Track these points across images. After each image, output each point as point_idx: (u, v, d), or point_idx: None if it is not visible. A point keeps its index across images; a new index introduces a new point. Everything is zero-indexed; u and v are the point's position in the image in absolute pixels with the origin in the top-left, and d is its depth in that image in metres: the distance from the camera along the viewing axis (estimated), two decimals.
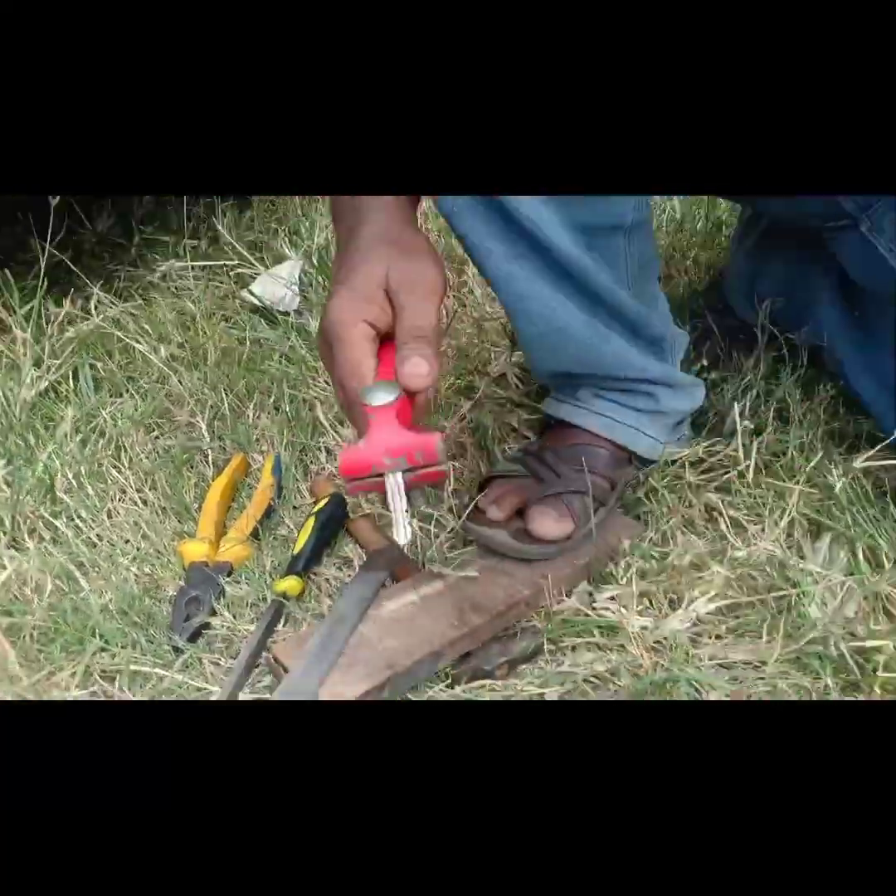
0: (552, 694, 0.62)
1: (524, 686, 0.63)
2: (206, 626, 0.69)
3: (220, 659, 0.67)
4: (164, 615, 0.70)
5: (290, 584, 0.70)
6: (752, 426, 0.79)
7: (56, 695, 0.63)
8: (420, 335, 0.53)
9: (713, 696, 0.61)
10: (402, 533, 0.52)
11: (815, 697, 0.59)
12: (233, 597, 0.71)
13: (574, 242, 0.63)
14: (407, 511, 0.52)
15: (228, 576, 0.73)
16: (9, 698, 0.63)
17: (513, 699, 0.56)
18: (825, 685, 0.59)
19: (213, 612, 0.70)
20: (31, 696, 0.62)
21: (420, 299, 0.54)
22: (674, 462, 0.78)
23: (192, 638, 0.68)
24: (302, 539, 0.74)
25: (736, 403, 0.80)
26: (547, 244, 0.62)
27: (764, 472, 0.76)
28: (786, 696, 0.60)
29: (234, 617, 0.70)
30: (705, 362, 0.86)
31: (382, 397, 0.52)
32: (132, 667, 0.63)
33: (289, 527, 0.79)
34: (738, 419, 0.78)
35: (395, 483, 0.51)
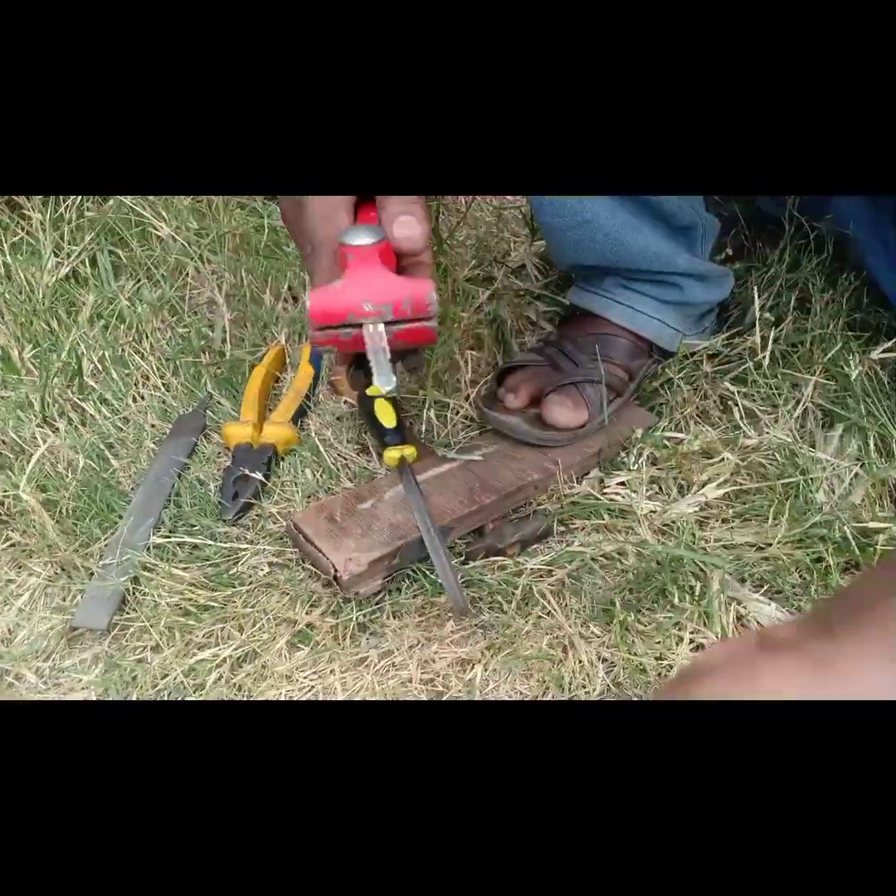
0: (560, 572, 0.65)
1: (535, 564, 0.65)
2: (251, 507, 0.70)
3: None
4: (193, 496, 0.72)
5: (408, 450, 0.69)
6: (773, 318, 0.78)
7: (92, 563, 0.66)
8: (407, 200, 0.47)
9: (715, 578, 0.63)
10: (387, 378, 0.45)
11: (815, 576, 0.62)
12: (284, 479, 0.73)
13: None
14: (390, 360, 0.45)
15: (271, 459, 0.74)
16: (48, 568, 0.67)
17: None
18: (827, 565, 0.62)
19: (259, 494, 0.71)
20: (70, 564, 0.66)
21: None
22: (693, 354, 0.78)
23: (239, 516, 0.69)
24: (390, 414, 0.73)
25: (757, 294, 0.79)
26: None
27: (781, 363, 0.77)
28: (787, 575, 0.62)
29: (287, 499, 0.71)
30: (730, 251, 0.85)
31: (365, 238, 0.45)
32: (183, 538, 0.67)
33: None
34: (757, 310, 0.78)
35: (376, 334, 0.45)
